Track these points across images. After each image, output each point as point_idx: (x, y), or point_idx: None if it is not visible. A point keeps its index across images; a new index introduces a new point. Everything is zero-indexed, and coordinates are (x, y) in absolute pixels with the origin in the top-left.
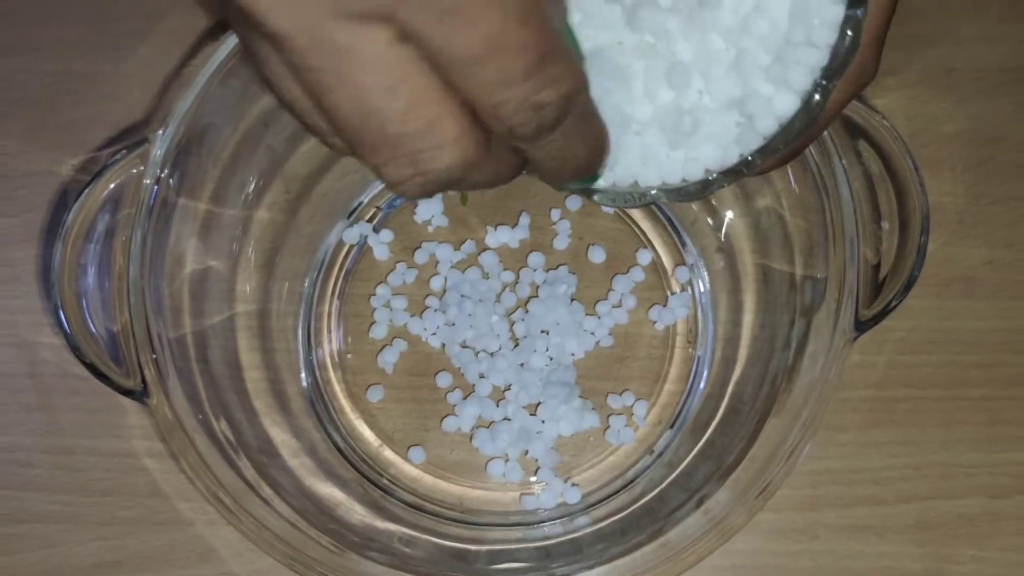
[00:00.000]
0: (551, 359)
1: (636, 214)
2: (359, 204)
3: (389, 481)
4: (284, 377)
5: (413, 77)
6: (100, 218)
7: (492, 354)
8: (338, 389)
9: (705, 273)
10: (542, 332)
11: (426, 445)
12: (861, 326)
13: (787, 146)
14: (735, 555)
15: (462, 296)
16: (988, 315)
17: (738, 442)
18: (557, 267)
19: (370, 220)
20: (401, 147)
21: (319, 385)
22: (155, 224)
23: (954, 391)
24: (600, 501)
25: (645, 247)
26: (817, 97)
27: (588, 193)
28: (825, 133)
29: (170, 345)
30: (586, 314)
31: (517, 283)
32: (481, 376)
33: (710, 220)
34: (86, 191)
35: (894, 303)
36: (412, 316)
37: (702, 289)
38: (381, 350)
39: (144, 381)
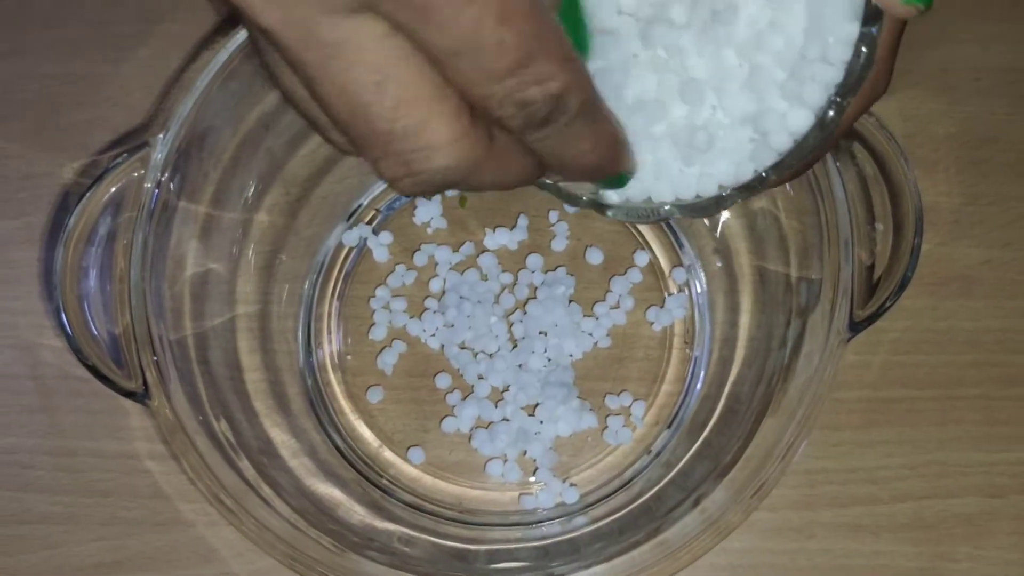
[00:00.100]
0: (549, 360)
1: None
2: (358, 206)
3: (389, 481)
4: (284, 378)
5: (403, 72)
6: (101, 221)
7: (491, 355)
8: (338, 390)
9: (702, 274)
10: (540, 333)
11: (425, 446)
12: (856, 326)
13: (800, 162)
14: (732, 554)
15: (461, 297)
16: (984, 315)
17: (734, 442)
18: (555, 269)
19: (369, 222)
20: (392, 144)
21: (319, 386)
22: (156, 227)
23: (950, 391)
24: (598, 501)
25: (642, 249)
26: (831, 113)
27: (601, 209)
28: None
29: (171, 347)
30: (584, 315)
31: (515, 284)
32: (480, 377)
33: (706, 222)
34: (87, 195)
35: (888, 303)
36: (411, 318)
37: (699, 290)
38: (381, 351)
39: (145, 383)
